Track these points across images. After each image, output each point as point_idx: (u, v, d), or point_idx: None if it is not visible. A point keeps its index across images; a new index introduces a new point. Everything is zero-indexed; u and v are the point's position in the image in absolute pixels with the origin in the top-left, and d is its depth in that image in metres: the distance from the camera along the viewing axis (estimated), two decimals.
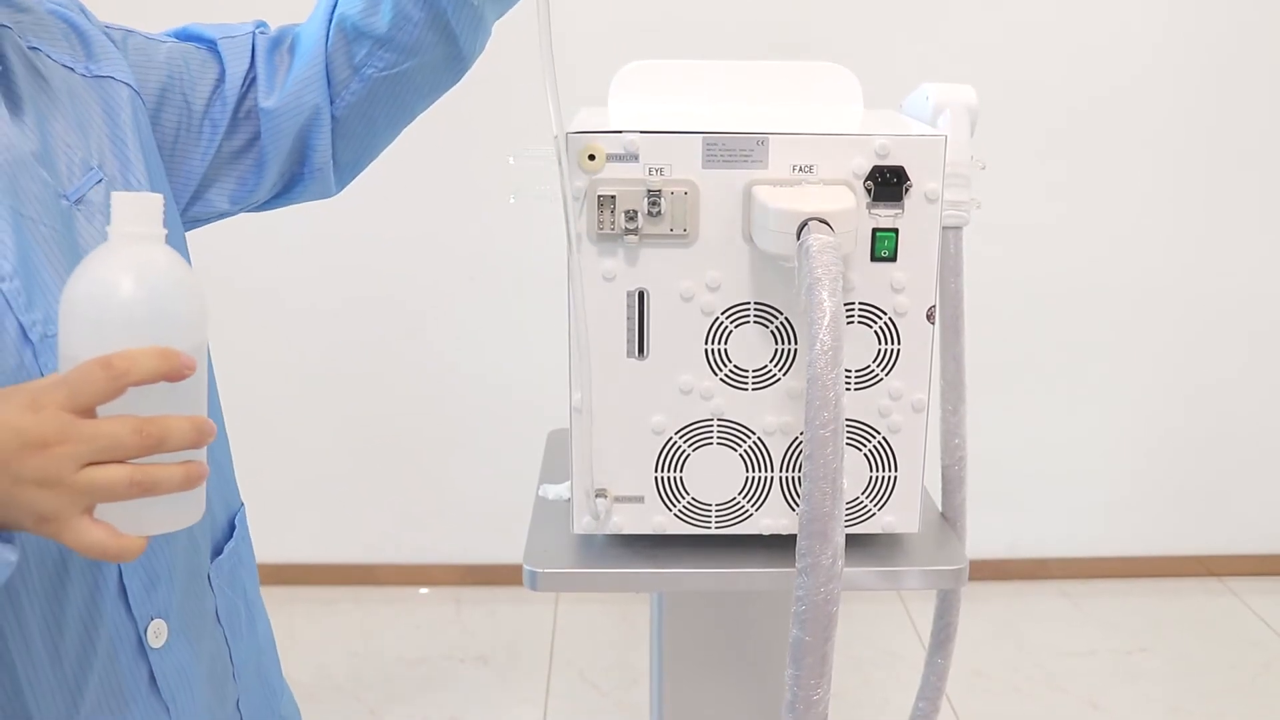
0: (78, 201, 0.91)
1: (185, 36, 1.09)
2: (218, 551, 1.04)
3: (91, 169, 0.94)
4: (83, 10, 1.02)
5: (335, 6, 1.09)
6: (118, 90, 0.99)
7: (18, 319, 0.83)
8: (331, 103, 1.10)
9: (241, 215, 1.17)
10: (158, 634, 0.93)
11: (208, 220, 1.11)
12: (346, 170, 1.17)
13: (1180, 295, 2.85)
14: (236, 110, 1.08)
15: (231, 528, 1.07)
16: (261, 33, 1.13)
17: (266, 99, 1.08)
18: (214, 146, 1.07)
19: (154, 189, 0.98)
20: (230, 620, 1.04)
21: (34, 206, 0.87)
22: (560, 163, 0.97)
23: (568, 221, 0.98)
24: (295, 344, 2.81)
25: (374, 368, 2.83)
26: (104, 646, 0.90)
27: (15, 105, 0.90)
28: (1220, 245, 2.82)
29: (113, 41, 1.02)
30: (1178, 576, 3.02)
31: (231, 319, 2.67)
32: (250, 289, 2.70)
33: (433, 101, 1.16)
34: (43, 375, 0.82)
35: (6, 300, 0.83)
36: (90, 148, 0.95)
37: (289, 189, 1.15)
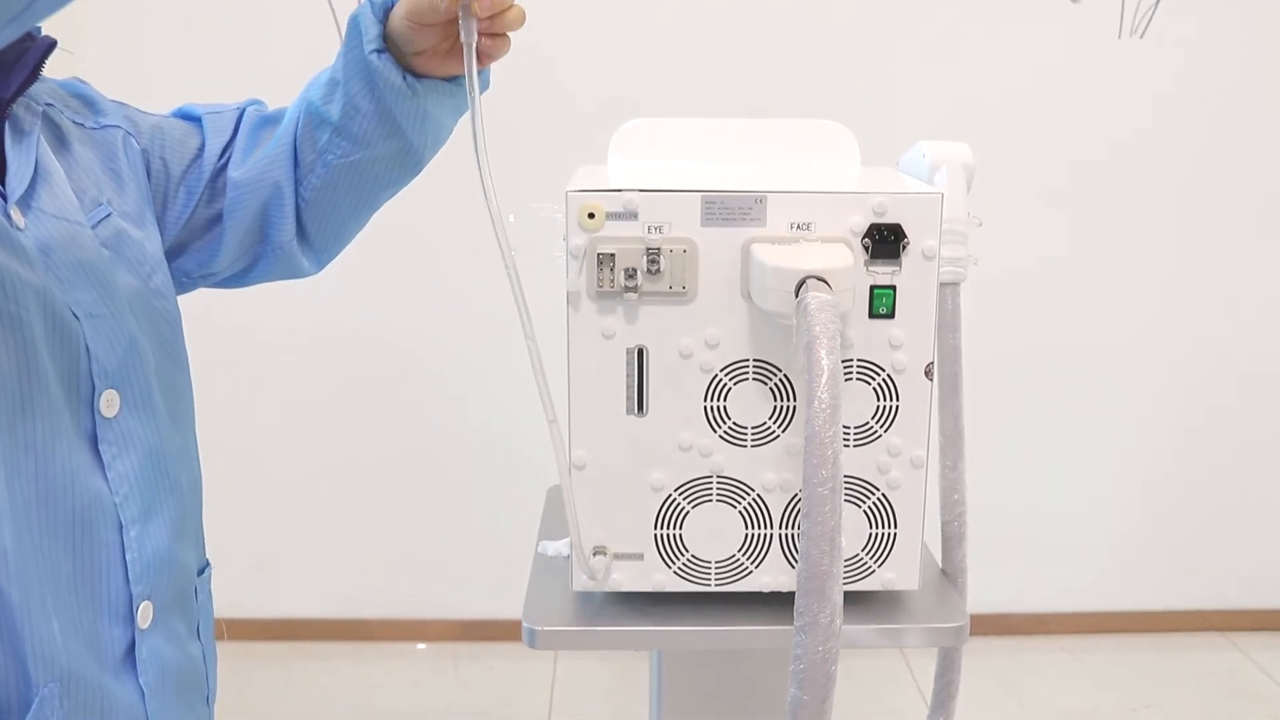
0: (92, 229, 0.98)
1: (176, 114, 1.16)
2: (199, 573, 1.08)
3: (100, 204, 1.00)
4: (88, 85, 1.10)
5: (309, 91, 1.14)
6: (115, 134, 1.07)
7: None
8: (299, 184, 1.15)
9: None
10: (144, 616, 0.96)
11: (178, 289, 1.14)
12: (322, 252, 1.21)
13: (1180, 347, 2.86)
14: (214, 180, 1.13)
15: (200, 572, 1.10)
16: (255, 109, 1.18)
17: (236, 170, 1.13)
18: (188, 212, 1.12)
19: (143, 219, 1.03)
20: (208, 642, 1.08)
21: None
22: (503, 249, 0.98)
23: (510, 283, 0.99)
24: (291, 396, 2.81)
25: (372, 421, 2.83)
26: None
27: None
28: (1219, 295, 2.83)
29: (112, 105, 1.10)
30: (1182, 631, 3.00)
31: (228, 372, 2.68)
32: (244, 341, 2.71)
33: (394, 192, 1.20)
34: (89, 348, 0.92)
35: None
36: (99, 187, 1.01)
37: (255, 265, 1.19)
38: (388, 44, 1.09)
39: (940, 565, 1.21)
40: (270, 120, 1.17)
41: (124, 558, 0.94)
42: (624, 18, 2.61)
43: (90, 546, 0.92)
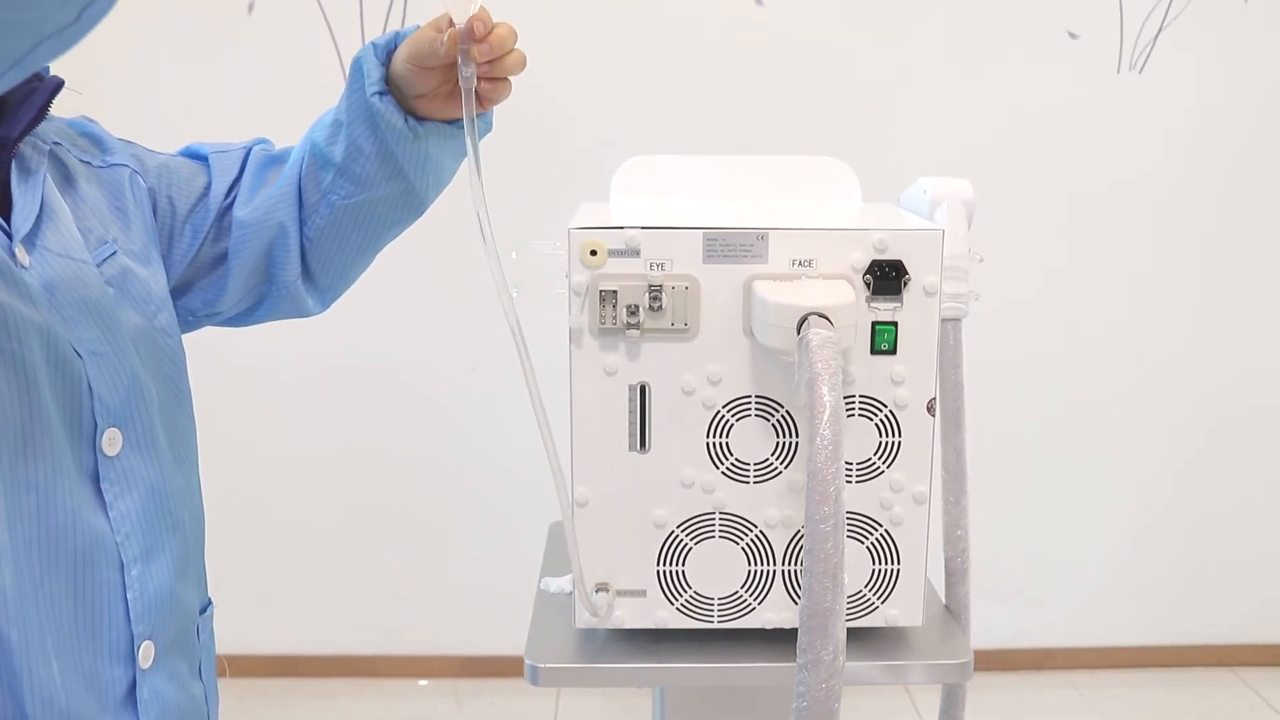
0: (97, 267, 0.98)
1: (183, 153, 1.17)
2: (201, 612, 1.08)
3: (105, 243, 1.01)
4: (96, 124, 1.11)
5: (313, 132, 1.15)
6: (122, 173, 1.08)
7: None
8: (304, 224, 1.15)
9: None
10: (146, 655, 0.96)
11: (184, 327, 1.14)
12: (327, 291, 1.22)
13: (1182, 381, 2.86)
14: (220, 219, 1.14)
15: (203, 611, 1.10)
16: (262, 148, 1.18)
17: (241, 209, 1.14)
18: (194, 250, 1.12)
19: (149, 258, 1.04)
20: (209, 681, 1.08)
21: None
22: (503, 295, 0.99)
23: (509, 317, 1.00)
24: (293, 432, 2.82)
25: (373, 457, 2.83)
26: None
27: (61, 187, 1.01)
28: (1219, 327, 2.83)
29: (120, 144, 1.10)
30: (1188, 666, 2.99)
31: (228, 409, 2.68)
32: (246, 377, 2.72)
33: (398, 233, 1.21)
34: (91, 387, 0.92)
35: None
36: (105, 225, 1.02)
37: (260, 304, 1.19)
38: (390, 86, 1.09)
39: (944, 601, 1.21)
40: (276, 160, 1.18)
41: (125, 597, 0.94)
42: (626, 56, 2.63)
43: (91, 586, 0.92)
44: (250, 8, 2.59)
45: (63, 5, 0.67)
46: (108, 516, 0.94)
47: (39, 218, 0.94)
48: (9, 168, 0.94)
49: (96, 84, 2.51)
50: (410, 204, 1.17)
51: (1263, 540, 2.97)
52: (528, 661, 1.07)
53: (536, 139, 2.55)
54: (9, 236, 0.90)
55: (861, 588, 1.06)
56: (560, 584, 1.21)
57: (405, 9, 2.58)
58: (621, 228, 0.99)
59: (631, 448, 1.03)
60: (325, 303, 1.24)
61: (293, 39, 2.60)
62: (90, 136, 1.08)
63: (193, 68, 2.61)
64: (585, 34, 2.61)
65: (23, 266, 0.90)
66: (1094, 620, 2.99)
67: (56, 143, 1.03)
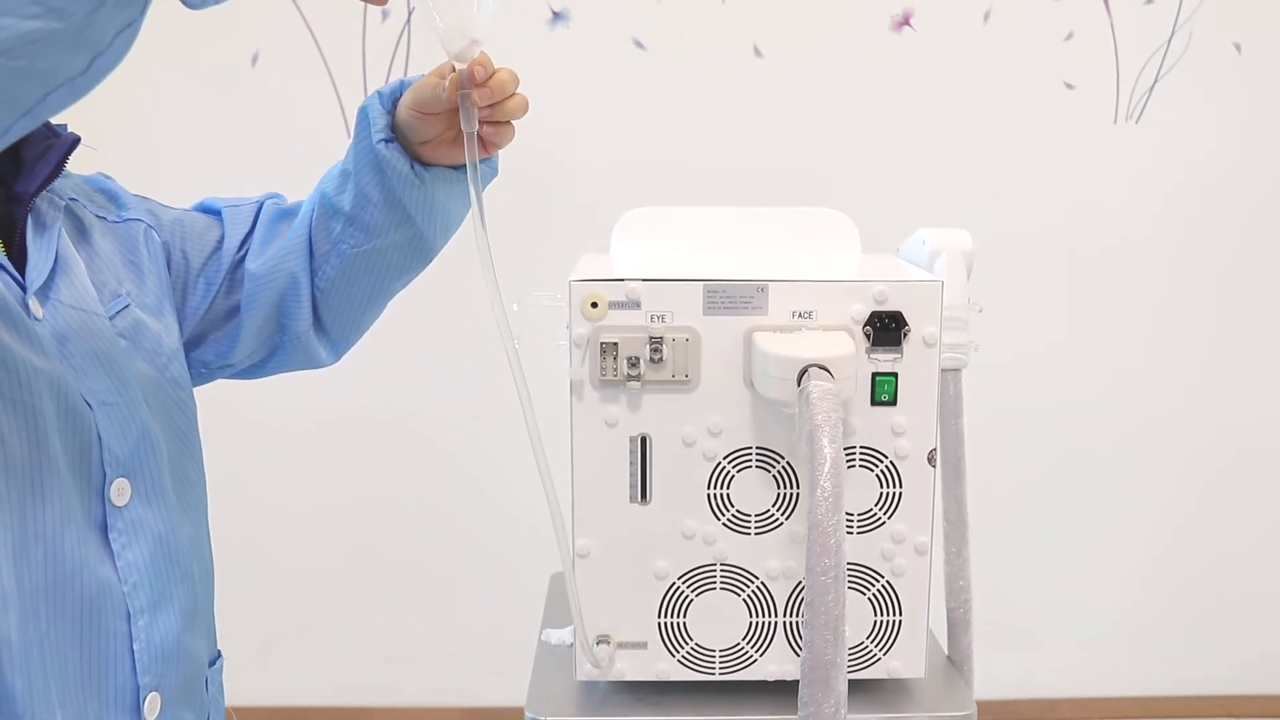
0: (110, 319, 1.00)
1: (197, 207, 1.18)
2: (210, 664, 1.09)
3: (119, 296, 1.02)
4: (112, 180, 1.13)
5: (323, 183, 1.16)
6: (136, 228, 1.09)
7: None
8: (314, 275, 1.16)
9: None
10: (152, 707, 0.96)
11: (197, 379, 1.15)
12: (339, 342, 1.22)
13: (1184, 429, 2.85)
14: (232, 272, 1.15)
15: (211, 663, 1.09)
16: (274, 202, 1.20)
17: (253, 262, 1.15)
18: (207, 303, 1.13)
19: (162, 310, 1.04)
20: None
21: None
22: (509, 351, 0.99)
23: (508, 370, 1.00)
24: (296, 483, 2.81)
25: (375, 508, 2.83)
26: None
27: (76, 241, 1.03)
28: (1220, 378, 2.83)
29: (135, 200, 1.12)
30: (1196, 718, 2.97)
31: (234, 459, 2.68)
32: (253, 428, 2.72)
33: (407, 281, 1.21)
34: (101, 437, 0.93)
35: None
36: (119, 279, 1.04)
37: (272, 356, 1.20)
38: (396, 134, 1.10)
39: (946, 652, 1.20)
40: (288, 213, 1.19)
41: (132, 647, 0.94)
42: (626, 106, 2.65)
43: (98, 636, 0.92)
44: (254, 59, 2.61)
45: (74, 55, 0.69)
46: (115, 566, 0.94)
47: (53, 271, 0.95)
48: (25, 222, 0.95)
49: (104, 134, 2.52)
50: (419, 251, 1.17)
51: (1266, 589, 2.95)
52: (528, 714, 1.07)
53: (537, 191, 2.57)
54: (23, 289, 0.91)
55: (863, 639, 1.06)
56: (561, 635, 1.20)
57: (407, 59, 2.60)
58: (622, 280, 0.99)
59: (632, 499, 1.03)
60: (338, 353, 1.24)
61: (296, 89, 2.62)
62: (106, 192, 1.10)
63: (199, 118, 2.63)
64: (586, 85, 2.63)
65: (35, 318, 0.91)
66: (1099, 670, 2.97)
67: (73, 198, 1.04)
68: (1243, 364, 2.83)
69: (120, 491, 0.95)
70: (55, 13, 0.66)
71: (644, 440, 1.01)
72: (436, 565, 2.86)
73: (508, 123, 1.07)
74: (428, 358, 2.73)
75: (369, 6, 2.51)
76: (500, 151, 1.13)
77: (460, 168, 1.12)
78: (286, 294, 1.15)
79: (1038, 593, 2.90)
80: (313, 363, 1.23)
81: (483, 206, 0.99)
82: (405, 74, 2.60)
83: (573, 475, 1.02)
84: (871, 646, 1.06)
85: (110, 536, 0.94)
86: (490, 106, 1.03)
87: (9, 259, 0.93)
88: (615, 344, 0.99)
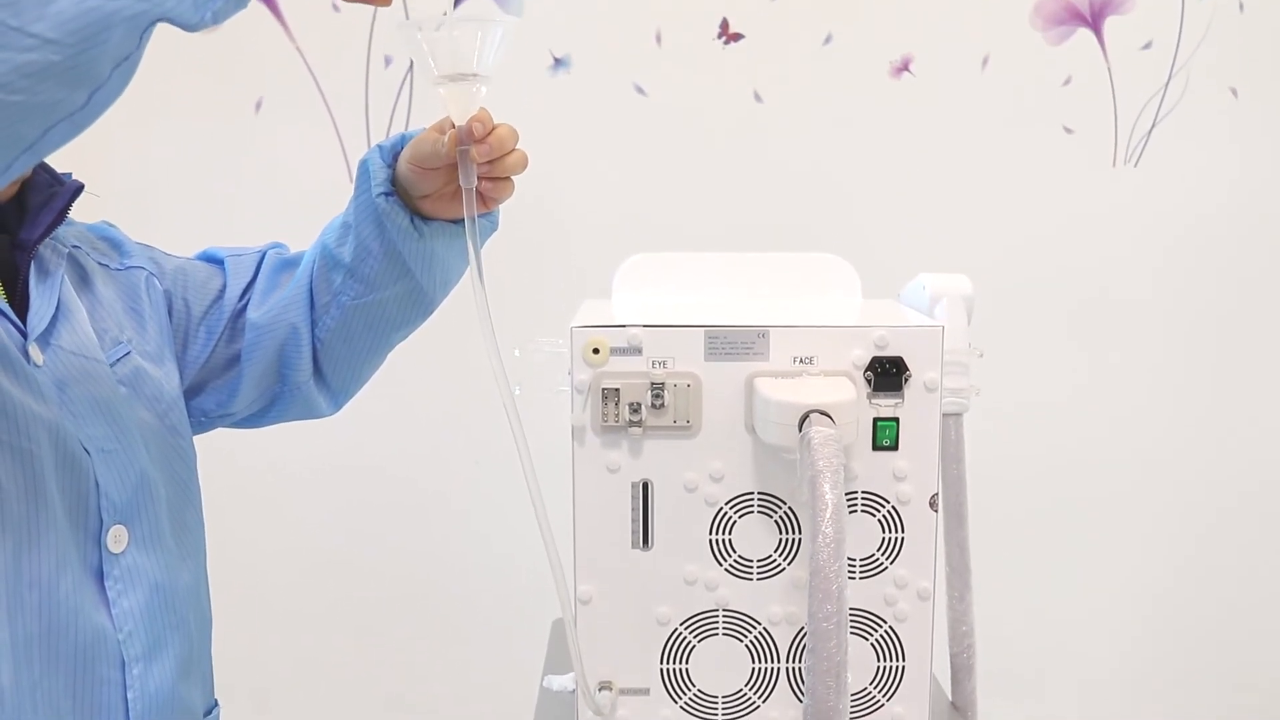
0: (111, 366, 1.00)
1: (200, 256, 1.18)
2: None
3: (120, 343, 1.03)
4: (116, 228, 1.14)
5: (324, 235, 1.17)
6: (138, 275, 1.10)
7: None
8: (315, 326, 1.16)
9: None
10: None
11: (197, 428, 1.15)
12: (339, 393, 1.22)
13: (1184, 473, 2.85)
14: (234, 321, 1.15)
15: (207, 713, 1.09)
16: (276, 252, 1.20)
17: (255, 311, 1.15)
18: (208, 351, 1.14)
19: (162, 358, 1.05)
20: None
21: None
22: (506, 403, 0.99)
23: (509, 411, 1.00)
24: (295, 529, 2.80)
25: (376, 553, 2.81)
26: None
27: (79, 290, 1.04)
28: (1223, 421, 2.83)
29: (138, 248, 1.13)
30: None
31: (232, 505, 2.67)
32: (252, 475, 2.71)
33: (407, 334, 1.22)
34: (99, 484, 0.93)
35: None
36: (120, 326, 1.04)
37: (272, 405, 1.20)
38: (396, 187, 1.11)
39: (950, 698, 1.20)
40: (290, 263, 1.19)
41: (125, 696, 0.94)
42: (628, 152, 2.66)
43: (91, 685, 0.91)
44: (258, 105, 2.63)
45: (74, 89, 0.69)
46: (110, 614, 0.93)
47: (54, 317, 0.96)
48: (29, 268, 0.96)
49: (108, 178, 2.53)
50: (418, 303, 1.17)
51: (1263, 632, 2.94)
52: None
53: (538, 236, 2.57)
54: (24, 335, 0.92)
55: (867, 685, 1.05)
56: (563, 682, 1.20)
57: (410, 105, 2.62)
58: (624, 326, 0.99)
59: (634, 545, 1.02)
60: (337, 404, 1.25)
61: (299, 135, 2.63)
62: (109, 240, 1.11)
63: (202, 164, 2.64)
64: (587, 131, 2.64)
65: (36, 364, 0.91)
66: (1104, 711, 2.95)
67: (76, 245, 1.05)
68: (1243, 408, 2.83)
69: (117, 539, 0.95)
70: (51, 45, 0.66)
71: (646, 486, 1.01)
72: (437, 612, 2.84)
73: (507, 178, 1.07)
74: (427, 404, 2.73)
75: (371, 52, 2.54)
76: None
77: (460, 221, 1.12)
78: (287, 344, 1.15)
79: (1042, 638, 2.88)
80: (312, 413, 1.23)
81: (480, 262, 0.99)
82: (408, 120, 2.62)
83: (574, 520, 1.02)
84: (875, 692, 1.06)
85: (106, 584, 0.94)
86: (489, 163, 1.03)
87: (11, 305, 0.93)
88: (617, 390, 0.99)
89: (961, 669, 1.19)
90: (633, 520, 1.02)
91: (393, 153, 1.11)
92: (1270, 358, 2.83)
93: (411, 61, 2.60)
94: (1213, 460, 2.85)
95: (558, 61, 2.64)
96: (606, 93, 2.66)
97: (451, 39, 0.95)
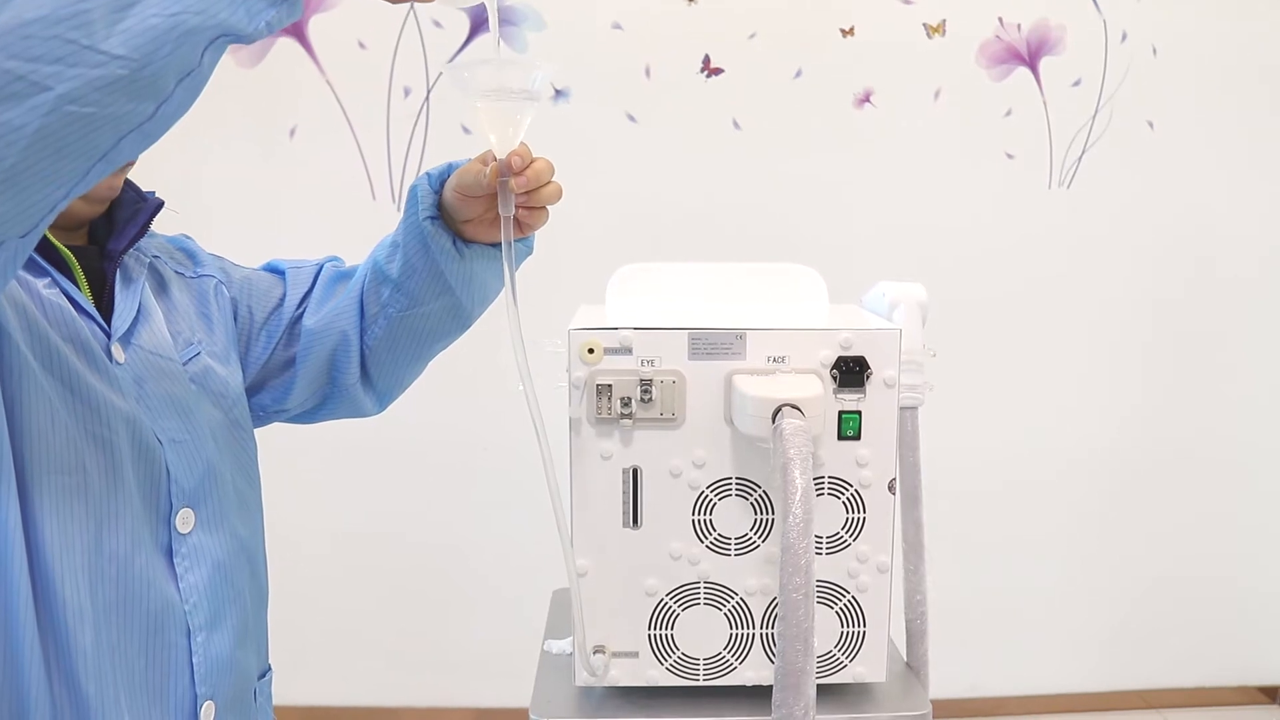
0: (183, 365, 1.00)
1: (265, 267, 1.18)
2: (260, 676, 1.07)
3: (192, 344, 1.02)
4: (193, 240, 1.13)
5: (376, 251, 1.16)
6: (209, 283, 1.10)
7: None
8: (364, 334, 1.15)
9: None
10: (207, 715, 0.95)
11: (256, 422, 1.14)
12: (385, 394, 1.22)
13: (1111, 460, 2.86)
14: (291, 327, 1.14)
15: (261, 676, 1.08)
16: (333, 265, 1.19)
17: (310, 319, 1.14)
18: (267, 353, 1.12)
19: (228, 358, 1.04)
20: None
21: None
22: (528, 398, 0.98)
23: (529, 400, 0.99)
24: (321, 505, 2.80)
25: (397, 529, 2.81)
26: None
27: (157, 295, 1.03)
28: (1154, 411, 2.84)
29: (210, 258, 1.13)
30: (1122, 710, 2.96)
31: (267, 486, 2.66)
32: (285, 454, 2.70)
33: (447, 344, 1.21)
34: (170, 471, 0.92)
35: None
36: (192, 329, 1.04)
37: (323, 404, 1.19)
38: (441, 212, 1.10)
39: (905, 659, 1.19)
40: (344, 276, 1.18)
41: (191, 660, 0.93)
42: (619, 174, 2.66)
43: (161, 649, 0.91)
44: (292, 132, 2.61)
45: (140, 101, 0.68)
46: (178, 587, 0.93)
47: (135, 320, 0.95)
48: (115, 276, 0.95)
49: (163, 196, 2.52)
50: (458, 318, 1.16)
51: (1186, 597, 2.95)
52: (532, 715, 1.05)
53: (541, 249, 2.56)
54: (108, 335, 0.91)
55: (831, 648, 1.05)
56: (562, 645, 1.19)
57: (426, 132, 2.60)
58: (616, 328, 0.99)
59: (625, 524, 1.01)
60: (382, 405, 1.23)
61: (328, 158, 2.62)
62: (185, 251, 1.10)
63: (244, 183, 2.63)
64: (585, 154, 2.64)
65: (118, 362, 0.90)
66: (1041, 671, 2.96)
67: (156, 255, 1.04)
68: (1163, 401, 2.84)
69: (185, 520, 0.94)
70: (118, 60, 0.65)
71: (635, 472, 1.01)
72: (451, 582, 2.84)
73: (543, 208, 1.06)
74: (445, 393, 2.72)
75: (393, 84, 2.52)
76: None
77: (498, 245, 1.11)
78: (338, 349, 1.14)
79: (987, 606, 2.89)
80: (359, 412, 1.21)
81: (515, 283, 0.97)
82: (425, 146, 2.60)
83: (572, 503, 1.01)
84: (839, 654, 1.05)
85: (175, 560, 0.93)
86: (527, 193, 1.01)
87: (98, 308, 0.93)
88: (610, 386, 0.98)
89: (915, 633, 1.18)
90: (624, 502, 1.01)
91: (440, 180, 1.09)
92: (1187, 355, 2.84)
93: (428, 92, 2.59)
94: (1132, 445, 2.87)
95: (559, 93, 2.63)
96: (602, 120, 2.66)
97: (500, 72, 0.93)
